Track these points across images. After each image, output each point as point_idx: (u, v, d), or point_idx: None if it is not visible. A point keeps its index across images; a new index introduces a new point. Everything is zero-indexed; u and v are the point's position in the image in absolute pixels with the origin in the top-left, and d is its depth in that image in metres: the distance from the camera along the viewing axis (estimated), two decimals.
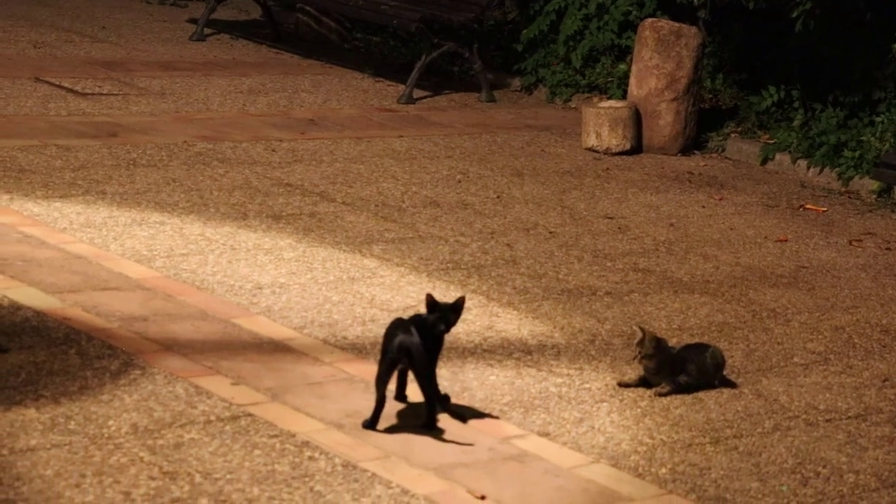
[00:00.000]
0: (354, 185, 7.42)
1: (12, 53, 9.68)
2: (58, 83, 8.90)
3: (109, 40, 10.49)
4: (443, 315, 4.55)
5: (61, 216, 6.33)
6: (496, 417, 4.76)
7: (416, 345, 4.44)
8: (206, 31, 11.01)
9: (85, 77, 9.15)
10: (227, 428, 4.45)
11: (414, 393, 4.62)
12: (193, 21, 11.31)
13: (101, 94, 8.76)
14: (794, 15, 8.59)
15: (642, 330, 5.13)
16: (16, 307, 5.21)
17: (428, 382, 4.47)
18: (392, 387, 4.59)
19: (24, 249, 5.84)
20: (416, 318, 4.56)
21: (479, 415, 4.75)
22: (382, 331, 4.45)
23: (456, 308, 4.59)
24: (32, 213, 6.33)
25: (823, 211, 8.06)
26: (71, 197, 6.64)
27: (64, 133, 7.75)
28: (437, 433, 4.52)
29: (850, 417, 5.15)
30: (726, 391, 5.24)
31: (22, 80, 8.90)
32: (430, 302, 4.57)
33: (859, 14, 8.79)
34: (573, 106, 9.88)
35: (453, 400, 4.70)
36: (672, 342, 5.41)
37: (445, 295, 5.87)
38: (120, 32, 10.83)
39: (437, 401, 4.51)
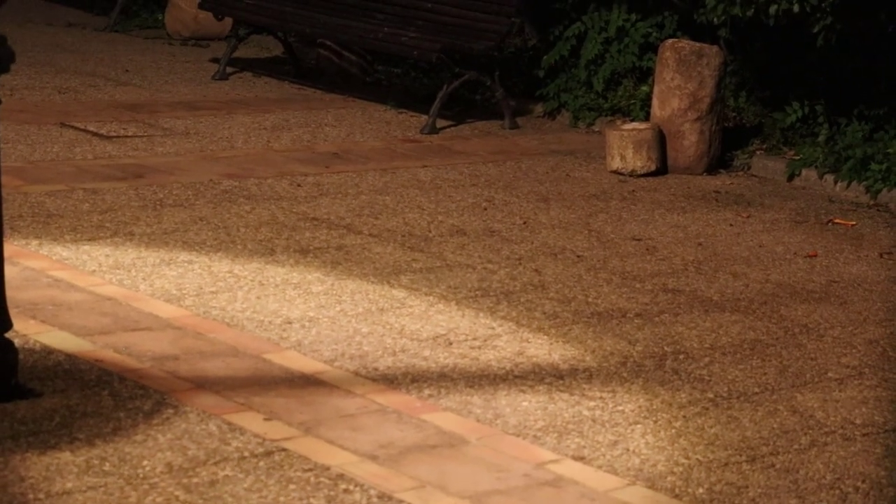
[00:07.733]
0: (380, 217, 7.43)
1: (38, 100, 9.74)
2: (83, 127, 8.95)
3: (133, 83, 10.55)
4: None
5: (90, 259, 6.36)
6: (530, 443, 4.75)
7: None
8: (229, 69, 11.06)
9: (110, 120, 9.20)
10: (262, 463, 4.44)
11: None
12: (216, 60, 11.37)
13: (127, 137, 8.80)
14: (816, 30, 8.57)
15: None
16: (47, 351, 5.22)
17: None
18: None
19: (54, 293, 5.86)
20: None
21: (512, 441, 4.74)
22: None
23: None
24: (61, 256, 6.36)
25: (852, 225, 8.02)
26: (99, 239, 6.66)
27: (90, 176, 7.79)
28: None
29: (887, 431, 5.11)
30: (761, 408, 5.21)
31: (48, 125, 8.95)
32: None
33: (881, 27, 8.76)
34: (597, 129, 9.88)
35: (484, 429, 4.69)
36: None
37: (475, 322, 5.87)
38: (143, 74, 10.89)
39: None
